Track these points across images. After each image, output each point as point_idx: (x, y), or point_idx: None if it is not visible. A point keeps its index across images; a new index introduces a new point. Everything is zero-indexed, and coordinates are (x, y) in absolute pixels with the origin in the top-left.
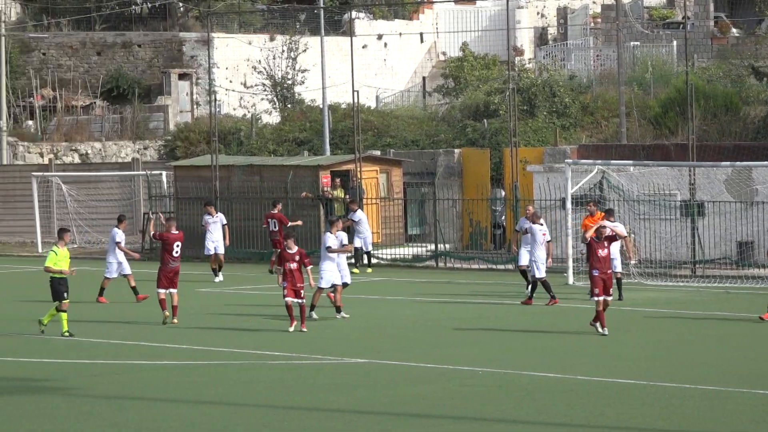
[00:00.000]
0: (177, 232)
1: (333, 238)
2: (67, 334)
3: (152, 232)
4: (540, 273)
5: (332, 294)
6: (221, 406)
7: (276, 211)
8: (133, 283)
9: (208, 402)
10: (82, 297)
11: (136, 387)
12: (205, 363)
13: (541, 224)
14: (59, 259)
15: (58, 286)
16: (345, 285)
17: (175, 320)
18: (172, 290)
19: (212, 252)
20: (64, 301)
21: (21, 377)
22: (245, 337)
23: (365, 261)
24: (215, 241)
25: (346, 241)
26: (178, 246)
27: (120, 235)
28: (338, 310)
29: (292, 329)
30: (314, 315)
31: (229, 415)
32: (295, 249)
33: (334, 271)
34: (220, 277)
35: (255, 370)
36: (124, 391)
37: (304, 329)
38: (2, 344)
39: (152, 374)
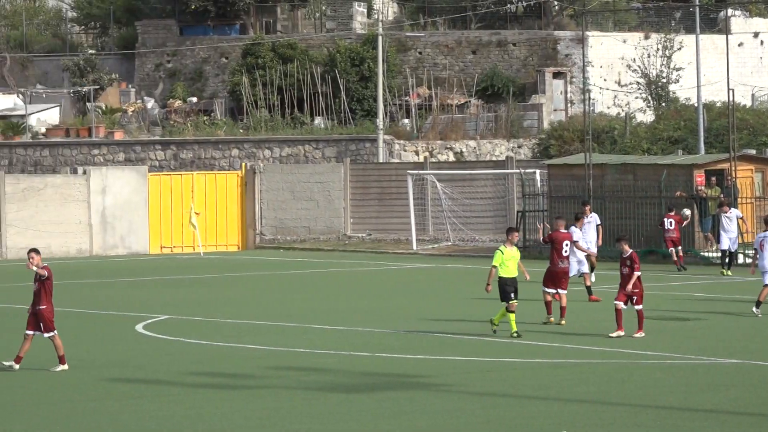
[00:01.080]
0: (566, 231)
1: None
2: (515, 334)
3: (542, 238)
4: None
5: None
6: (592, 405)
7: (673, 213)
8: (588, 283)
9: (579, 400)
10: (468, 294)
11: (508, 384)
12: (577, 362)
13: None
14: (506, 258)
15: (505, 287)
16: None
17: (563, 321)
18: (561, 291)
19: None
20: (511, 302)
21: (396, 373)
22: (619, 337)
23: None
24: (588, 241)
25: None
26: (567, 245)
27: (577, 234)
28: (758, 304)
29: (614, 335)
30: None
31: (601, 414)
32: (628, 252)
33: None
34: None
35: (628, 370)
36: (495, 389)
37: (638, 335)
38: (381, 340)
39: (524, 372)
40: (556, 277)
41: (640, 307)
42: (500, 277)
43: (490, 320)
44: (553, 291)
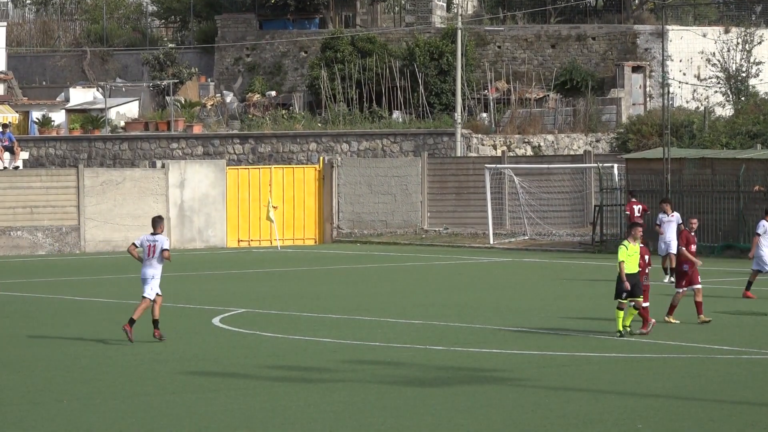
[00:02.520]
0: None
1: None
2: (619, 333)
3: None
4: None
5: None
6: (667, 400)
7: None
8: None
9: (654, 395)
10: (545, 288)
11: (584, 379)
12: (653, 356)
13: None
14: (629, 254)
15: (620, 284)
16: None
17: (702, 317)
18: (695, 286)
19: (665, 252)
20: (623, 301)
21: (471, 367)
22: (695, 332)
23: None
24: (668, 240)
25: None
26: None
27: (762, 227)
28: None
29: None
30: None
31: (676, 409)
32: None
33: None
34: (669, 278)
35: (703, 364)
36: (571, 383)
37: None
38: (457, 334)
39: (599, 366)
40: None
41: (645, 304)
42: (619, 274)
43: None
44: (682, 290)
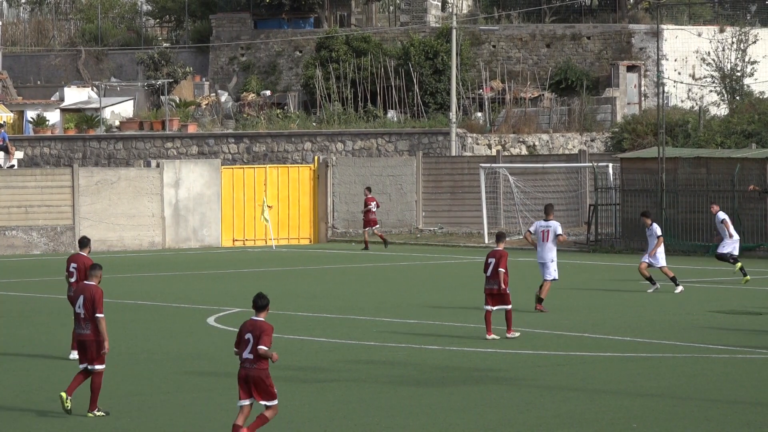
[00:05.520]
0: None
1: None
2: None
3: None
4: None
5: None
6: (663, 399)
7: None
8: None
9: (649, 394)
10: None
11: (578, 378)
12: (648, 355)
13: None
14: None
15: None
16: None
17: None
18: None
19: (645, 262)
20: None
21: (466, 367)
22: (690, 331)
23: None
24: (656, 255)
25: None
26: None
27: None
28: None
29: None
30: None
31: (671, 408)
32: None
33: None
34: (680, 288)
35: (699, 364)
36: (566, 382)
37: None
38: (451, 333)
39: (594, 366)
40: None
41: (508, 307)
42: None
43: None
44: None
